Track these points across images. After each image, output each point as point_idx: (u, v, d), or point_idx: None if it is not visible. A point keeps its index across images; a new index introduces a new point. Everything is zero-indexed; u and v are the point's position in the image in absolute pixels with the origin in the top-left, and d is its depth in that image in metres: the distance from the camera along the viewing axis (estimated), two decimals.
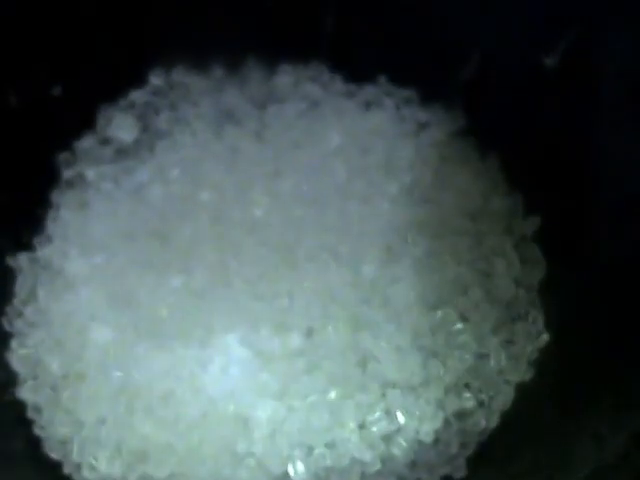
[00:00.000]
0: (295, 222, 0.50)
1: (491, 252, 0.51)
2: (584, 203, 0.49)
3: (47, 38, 0.52)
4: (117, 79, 0.54)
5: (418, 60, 0.53)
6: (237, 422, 0.48)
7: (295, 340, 0.48)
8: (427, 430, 0.48)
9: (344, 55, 0.55)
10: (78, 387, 0.50)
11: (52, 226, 0.54)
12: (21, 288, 0.53)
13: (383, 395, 0.48)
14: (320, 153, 0.53)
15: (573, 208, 0.49)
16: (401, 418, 0.48)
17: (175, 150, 0.54)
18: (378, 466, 0.48)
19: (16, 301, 0.53)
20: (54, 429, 0.50)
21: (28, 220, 0.54)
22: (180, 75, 0.56)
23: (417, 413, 0.48)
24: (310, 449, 0.48)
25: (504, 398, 0.49)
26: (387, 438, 0.48)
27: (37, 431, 0.50)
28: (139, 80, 0.56)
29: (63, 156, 0.55)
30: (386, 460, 0.48)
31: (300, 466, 0.48)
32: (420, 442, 0.48)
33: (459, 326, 0.49)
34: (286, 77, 0.56)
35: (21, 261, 0.53)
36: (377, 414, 0.48)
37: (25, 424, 0.50)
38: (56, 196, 0.55)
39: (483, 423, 0.48)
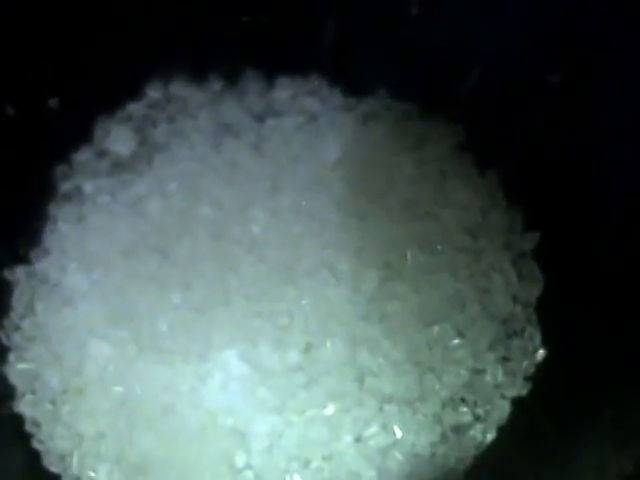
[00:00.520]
0: (294, 239, 0.51)
1: (489, 268, 0.51)
2: (583, 220, 0.49)
3: (44, 49, 0.51)
4: (115, 91, 0.54)
5: (417, 74, 0.53)
6: (235, 436, 0.49)
7: (293, 356, 0.49)
8: (424, 444, 0.49)
9: (343, 68, 0.55)
10: (78, 401, 0.50)
11: (49, 239, 0.54)
12: (18, 301, 0.53)
13: (380, 409, 0.49)
14: (319, 167, 0.53)
15: (572, 225, 0.49)
16: (398, 432, 0.49)
17: (173, 163, 0.54)
18: (375, 479, 0.48)
19: (13, 315, 0.53)
20: (53, 443, 0.50)
21: (25, 233, 0.54)
22: (178, 88, 0.56)
23: (414, 427, 0.49)
24: (307, 462, 0.49)
25: (500, 413, 0.50)
26: (384, 451, 0.49)
27: (36, 445, 0.50)
28: (137, 92, 0.55)
29: (60, 169, 0.55)
30: (383, 473, 0.49)
31: (297, 479, 0.49)
32: (417, 455, 0.49)
33: (456, 342, 0.50)
34: (284, 90, 0.55)
35: (18, 274, 0.53)
36: (374, 428, 0.49)
37: (24, 438, 0.50)
38: (53, 209, 0.54)
39: (480, 437, 0.49)
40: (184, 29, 0.53)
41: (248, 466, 0.49)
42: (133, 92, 0.55)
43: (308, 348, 0.49)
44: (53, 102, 0.53)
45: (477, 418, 0.50)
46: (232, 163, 0.54)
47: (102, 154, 0.55)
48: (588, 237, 0.49)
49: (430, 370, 0.49)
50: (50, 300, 0.52)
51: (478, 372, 0.50)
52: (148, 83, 0.56)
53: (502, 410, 0.50)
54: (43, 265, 0.53)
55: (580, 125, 0.49)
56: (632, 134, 0.46)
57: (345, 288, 0.49)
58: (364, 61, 0.54)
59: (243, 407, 0.49)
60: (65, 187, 0.55)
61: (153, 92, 0.56)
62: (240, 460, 0.49)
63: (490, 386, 0.50)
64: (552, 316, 0.50)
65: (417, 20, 0.52)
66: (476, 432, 0.49)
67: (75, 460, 0.49)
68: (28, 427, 0.51)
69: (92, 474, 0.50)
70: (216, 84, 0.56)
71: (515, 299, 0.51)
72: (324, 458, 0.49)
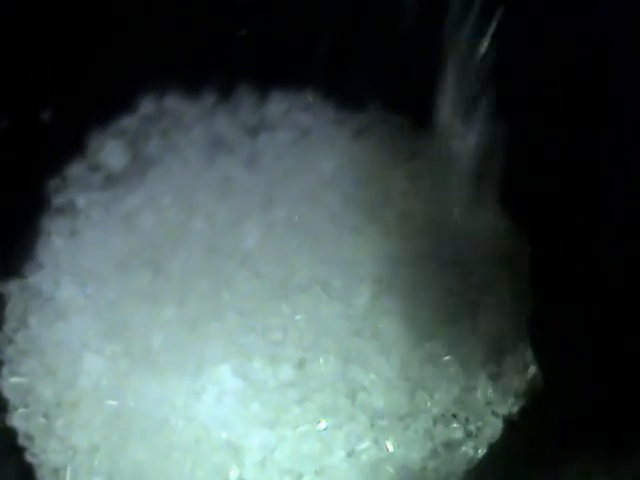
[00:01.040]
0: (287, 254, 0.51)
1: (481, 284, 0.52)
2: (576, 237, 0.49)
3: (38, 62, 0.51)
4: (108, 105, 0.54)
5: (410, 88, 0.53)
6: (229, 450, 0.49)
7: (287, 371, 0.49)
8: (415, 458, 0.49)
9: (335, 83, 0.55)
10: (71, 415, 0.50)
11: (43, 253, 0.54)
12: (11, 315, 0.52)
13: (372, 425, 0.49)
14: (313, 182, 0.53)
15: (565, 242, 0.49)
16: (390, 447, 0.49)
17: (166, 177, 0.54)
18: None
19: (6, 328, 0.52)
20: (46, 456, 0.50)
21: (18, 246, 0.53)
22: (171, 102, 0.56)
23: (405, 442, 0.49)
24: (300, 476, 0.49)
25: (492, 429, 0.50)
26: (376, 466, 0.49)
27: (29, 458, 0.50)
28: (130, 106, 0.55)
29: (53, 182, 0.54)
30: None
31: None
32: (408, 470, 0.49)
33: (447, 358, 0.50)
34: (278, 105, 0.55)
35: (11, 287, 0.53)
36: (366, 443, 0.49)
37: (17, 451, 0.50)
38: (46, 223, 0.54)
39: (471, 453, 0.49)
40: (177, 43, 0.52)
41: None
42: (126, 106, 0.55)
43: (301, 363, 0.50)
44: (46, 115, 0.53)
45: (469, 434, 0.50)
46: (226, 177, 0.54)
47: (95, 168, 0.55)
48: (581, 254, 0.48)
49: (422, 386, 0.49)
50: (43, 314, 0.52)
51: (469, 389, 0.50)
52: (142, 97, 0.55)
53: (494, 427, 0.50)
54: (36, 279, 0.53)
55: (577, 141, 0.48)
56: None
57: (338, 303, 0.50)
58: (357, 76, 0.54)
59: (237, 421, 0.49)
60: (58, 201, 0.55)
61: (147, 106, 0.56)
62: (233, 474, 0.49)
63: (481, 403, 0.50)
64: (544, 333, 0.50)
65: (410, 35, 0.52)
66: (467, 448, 0.49)
67: (69, 474, 0.49)
68: (21, 440, 0.50)
69: None
70: (209, 98, 0.56)
71: (506, 315, 0.51)
72: (317, 472, 0.49)
